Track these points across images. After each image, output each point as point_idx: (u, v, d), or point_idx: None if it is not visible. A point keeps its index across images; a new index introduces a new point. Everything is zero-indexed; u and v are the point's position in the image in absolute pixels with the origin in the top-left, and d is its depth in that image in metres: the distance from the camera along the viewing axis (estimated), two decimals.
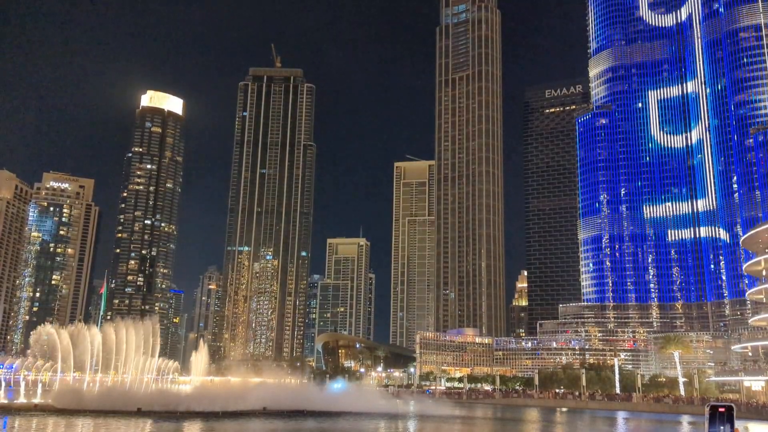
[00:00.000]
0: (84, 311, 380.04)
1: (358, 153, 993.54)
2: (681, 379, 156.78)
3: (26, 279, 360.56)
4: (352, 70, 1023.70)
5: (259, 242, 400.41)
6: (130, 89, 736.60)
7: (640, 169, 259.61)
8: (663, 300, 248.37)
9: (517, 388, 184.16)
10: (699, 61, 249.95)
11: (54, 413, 65.18)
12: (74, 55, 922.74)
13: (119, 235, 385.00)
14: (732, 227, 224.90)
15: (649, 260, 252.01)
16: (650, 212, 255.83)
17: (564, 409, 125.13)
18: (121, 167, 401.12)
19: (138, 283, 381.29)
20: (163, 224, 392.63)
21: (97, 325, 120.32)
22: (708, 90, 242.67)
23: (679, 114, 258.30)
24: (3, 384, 79.60)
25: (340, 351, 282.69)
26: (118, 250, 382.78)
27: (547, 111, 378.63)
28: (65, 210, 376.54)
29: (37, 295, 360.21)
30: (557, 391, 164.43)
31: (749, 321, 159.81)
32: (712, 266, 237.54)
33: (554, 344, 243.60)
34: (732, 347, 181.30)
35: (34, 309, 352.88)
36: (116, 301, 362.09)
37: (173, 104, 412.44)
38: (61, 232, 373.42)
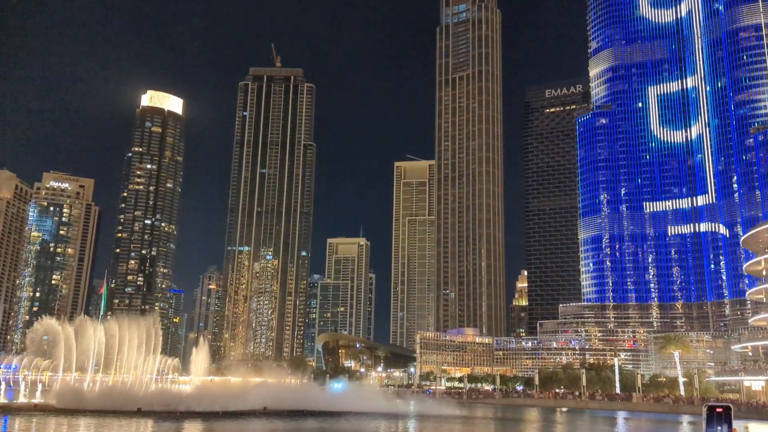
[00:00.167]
0: (84, 311, 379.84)
1: (358, 153, 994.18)
2: (681, 379, 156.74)
3: (26, 279, 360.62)
4: (353, 69, 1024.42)
5: (259, 242, 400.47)
6: (130, 89, 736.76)
7: (640, 169, 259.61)
8: (663, 300, 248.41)
9: (518, 387, 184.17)
10: (699, 60, 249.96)
11: (54, 413, 65.17)
12: (74, 55, 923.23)
13: (119, 234, 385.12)
14: (732, 227, 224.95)
15: (649, 260, 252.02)
16: (650, 211, 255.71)
17: (564, 409, 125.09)
18: (121, 167, 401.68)
19: (138, 282, 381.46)
20: (163, 224, 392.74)
21: None
22: (708, 89, 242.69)
23: (679, 109, 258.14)
24: (3, 384, 79.58)
25: (340, 351, 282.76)
26: (118, 250, 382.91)
27: (548, 111, 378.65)
28: (65, 210, 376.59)
29: (37, 294, 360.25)
30: (557, 391, 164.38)
31: (749, 321, 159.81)
32: (713, 266, 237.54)
33: (554, 344, 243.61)
34: (732, 347, 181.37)
35: (34, 309, 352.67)
36: (116, 301, 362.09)
37: (173, 104, 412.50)
38: (61, 232, 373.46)
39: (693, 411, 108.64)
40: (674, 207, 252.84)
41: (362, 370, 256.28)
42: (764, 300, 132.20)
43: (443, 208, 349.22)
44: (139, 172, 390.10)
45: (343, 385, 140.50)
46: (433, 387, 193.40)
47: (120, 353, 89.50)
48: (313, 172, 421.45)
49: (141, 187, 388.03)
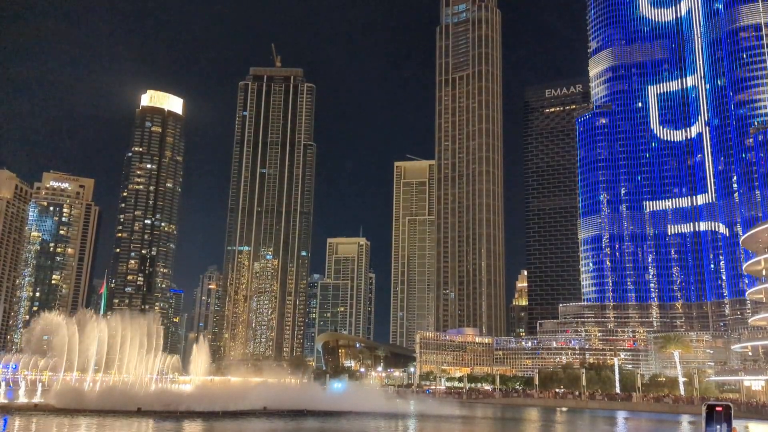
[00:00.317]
0: None
1: (358, 152, 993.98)
2: (681, 379, 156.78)
3: (26, 279, 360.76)
4: (353, 69, 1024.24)
5: (259, 242, 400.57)
6: (130, 89, 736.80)
7: (640, 169, 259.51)
8: (663, 300, 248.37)
9: (517, 387, 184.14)
10: (699, 60, 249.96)
11: (54, 413, 65.18)
12: (74, 55, 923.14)
13: (119, 234, 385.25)
14: (732, 227, 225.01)
15: (649, 260, 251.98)
16: (650, 211, 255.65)
17: (564, 409, 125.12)
18: (121, 167, 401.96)
19: (138, 282, 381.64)
20: (163, 224, 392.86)
21: None
22: (708, 89, 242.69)
23: (678, 109, 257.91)
24: (3, 384, 79.59)
25: (340, 351, 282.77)
26: (118, 250, 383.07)
27: (547, 110, 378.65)
28: (65, 210, 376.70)
29: (37, 294, 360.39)
30: (557, 390, 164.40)
31: (749, 321, 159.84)
32: (712, 266, 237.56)
33: (554, 344, 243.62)
34: (732, 347, 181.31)
35: (34, 309, 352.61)
36: (116, 301, 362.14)
37: (173, 104, 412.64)
38: (61, 232, 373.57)
39: (693, 411, 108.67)
40: (674, 207, 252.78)
41: (362, 369, 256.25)
42: (764, 300, 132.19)
43: (443, 207, 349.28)
44: (139, 172, 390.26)
45: (343, 384, 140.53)
46: (433, 387, 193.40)
47: (122, 352, 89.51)
48: (313, 172, 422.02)
49: (141, 186, 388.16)
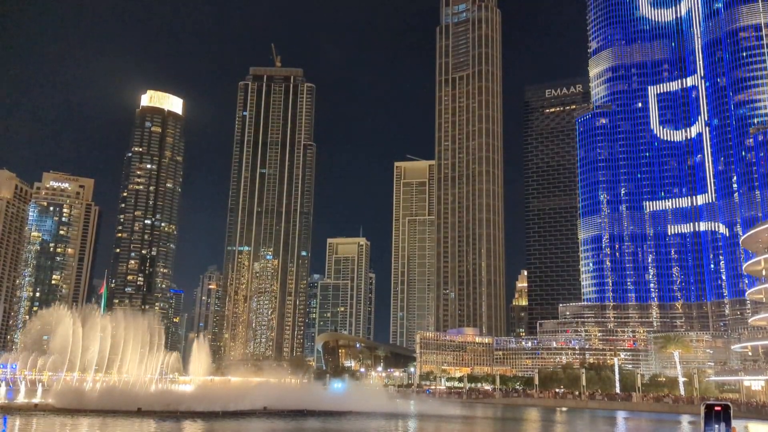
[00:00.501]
0: None
1: (358, 152, 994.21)
2: (681, 379, 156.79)
3: (26, 279, 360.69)
4: (353, 69, 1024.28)
5: (259, 242, 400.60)
6: (129, 89, 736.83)
7: (640, 169, 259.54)
8: (663, 300, 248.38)
9: (517, 387, 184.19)
10: (699, 60, 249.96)
11: (54, 413, 65.19)
12: (74, 54, 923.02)
13: (119, 234, 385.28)
14: (732, 227, 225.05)
15: (649, 260, 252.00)
16: (650, 211, 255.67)
17: (564, 409, 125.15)
18: (121, 167, 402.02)
19: (138, 282, 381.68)
20: (163, 224, 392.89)
21: None
22: (708, 89, 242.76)
23: (678, 109, 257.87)
24: (2, 384, 79.58)
25: (340, 351, 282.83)
26: (118, 250, 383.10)
27: (548, 110, 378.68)
28: (65, 210, 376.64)
29: (37, 294, 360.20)
30: (557, 390, 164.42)
31: (749, 321, 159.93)
32: (712, 266, 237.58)
33: (554, 344, 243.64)
34: (732, 347, 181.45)
35: (34, 309, 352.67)
36: (116, 301, 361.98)
37: (173, 104, 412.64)
38: (61, 232, 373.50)
39: (693, 411, 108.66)
40: (674, 207, 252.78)
41: (362, 369, 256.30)
42: (764, 300, 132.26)
43: (443, 207, 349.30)
44: (139, 172, 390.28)
45: (343, 384, 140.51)
46: (433, 387, 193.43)
47: (123, 352, 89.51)
48: (313, 172, 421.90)
49: (141, 187, 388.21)
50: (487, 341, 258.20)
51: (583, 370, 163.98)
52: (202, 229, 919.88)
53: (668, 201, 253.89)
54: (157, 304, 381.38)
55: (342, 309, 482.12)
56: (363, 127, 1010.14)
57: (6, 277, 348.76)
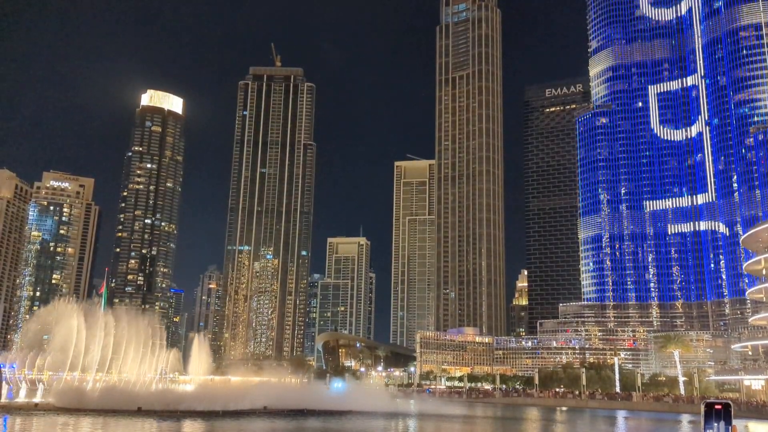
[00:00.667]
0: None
1: (358, 152, 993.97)
2: (681, 378, 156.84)
3: (26, 278, 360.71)
4: (353, 69, 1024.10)
5: (260, 241, 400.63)
6: (130, 88, 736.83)
7: (640, 168, 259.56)
8: (663, 299, 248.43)
9: (517, 387, 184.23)
10: (699, 60, 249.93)
11: (55, 412, 65.21)
12: (74, 54, 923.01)
13: (119, 234, 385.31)
14: (732, 226, 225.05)
15: (649, 259, 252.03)
16: (650, 210, 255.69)
17: (564, 408, 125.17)
18: (121, 166, 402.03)
19: (138, 282, 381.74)
20: (163, 223, 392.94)
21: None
22: (708, 88, 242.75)
23: (679, 108, 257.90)
24: (3, 383, 79.51)
25: (340, 350, 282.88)
26: (118, 250, 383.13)
27: (548, 110, 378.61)
28: (65, 209, 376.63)
29: (38, 294, 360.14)
30: (557, 390, 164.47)
31: (749, 320, 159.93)
32: (712, 265, 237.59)
33: (554, 343, 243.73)
34: (732, 346, 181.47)
35: (35, 308, 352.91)
36: (116, 300, 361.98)
37: (173, 103, 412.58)
38: (61, 232, 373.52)
39: (693, 410, 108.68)
40: (674, 206, 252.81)
41: (362, 369, 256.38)
42: (764, 299, 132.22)
43: (443, 207, 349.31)
44: (139, 172, 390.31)
45: (343, 384, 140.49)
46: (433, 386, 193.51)
47: (123, 351, 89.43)
48: (313, 171, 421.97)
49: (141, 186, 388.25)
50: (487, 341, 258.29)
51: (583, 370, 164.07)
52: (202, 229, 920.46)
53: (668, 200, 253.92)
54: (157, 303, 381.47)
55: (342, 309, 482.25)
56: (363, 126, 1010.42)
57: (6, 276, 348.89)
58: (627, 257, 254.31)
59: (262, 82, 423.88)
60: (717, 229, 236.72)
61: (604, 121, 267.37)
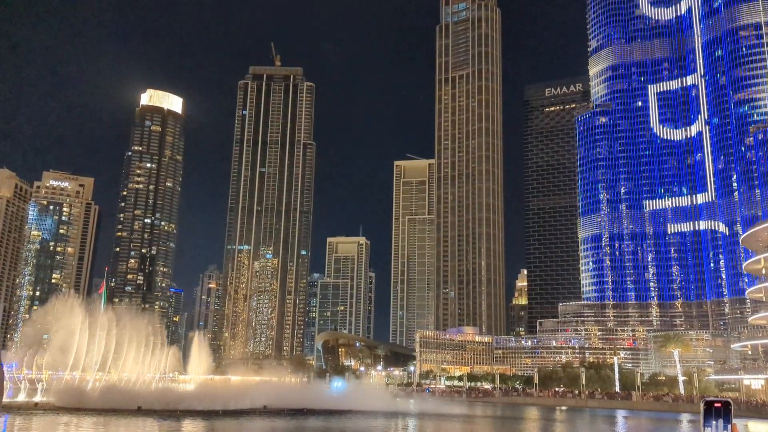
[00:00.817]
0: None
1: (358, 151, 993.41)
2: (680, 378, 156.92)
3: (26, 278, 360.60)
4: (352, 68, 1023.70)
5: (259, 241, 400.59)
6: (129, 88, 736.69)
7: (639, 167, 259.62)
8: (663, 299, 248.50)
9: (517, 386, 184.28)
10: (699, 59, 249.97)
11: (55, 412, 65.22)
12: (74, 53, 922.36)
13: (119, 233, 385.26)
14: (732, 225, 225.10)
15: (649, 259, 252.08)
16: (650, 210, 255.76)
17: (564, 408, 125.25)
18: (120, 166, 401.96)
19: (138, 281, 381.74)
20: (162, 223, 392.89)
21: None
22: (708, 88, 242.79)
23: (678, 108, 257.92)
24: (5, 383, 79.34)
25: (340, 350, 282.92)
26: (117, 249, 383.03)
27: (547, 109, 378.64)
28: (65, 209, 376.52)
29: (37, 293, 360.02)
30: (557, 389, 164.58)
31: (749, 319, 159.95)
32: (712, 264, 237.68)
33: (554, 343, 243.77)
34: (732, 346, 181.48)
35: (34, 308, 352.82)
36: (116, 300, 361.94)
37: (173, 103, 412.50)
38: (61, 231, 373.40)
39: (692, 410, 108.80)
40: (674, 205, 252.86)
41: (362, 368, 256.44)
42: (764, 299, 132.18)
43: (443, 207, 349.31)
44: (138, 171, 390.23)
45: (343, 383, 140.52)
46: (433, 386, 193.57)
47: (121, 350, 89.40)
48: (313, 171, 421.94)
49: (141, 186, 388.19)
50: (486, 340, 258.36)
51: (583, 369, 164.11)
52: (201, 228, 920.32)
53: (668, 200, 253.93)
54: (156, 303, 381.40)
55: (342, 308, 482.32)
56: (363, 126, 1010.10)
57: (6, 276, 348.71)
58: (627, 257, 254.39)
59: (262, 82, 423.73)
60: (717, 228, 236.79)
61: (604, 121, 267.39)
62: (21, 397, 75.00)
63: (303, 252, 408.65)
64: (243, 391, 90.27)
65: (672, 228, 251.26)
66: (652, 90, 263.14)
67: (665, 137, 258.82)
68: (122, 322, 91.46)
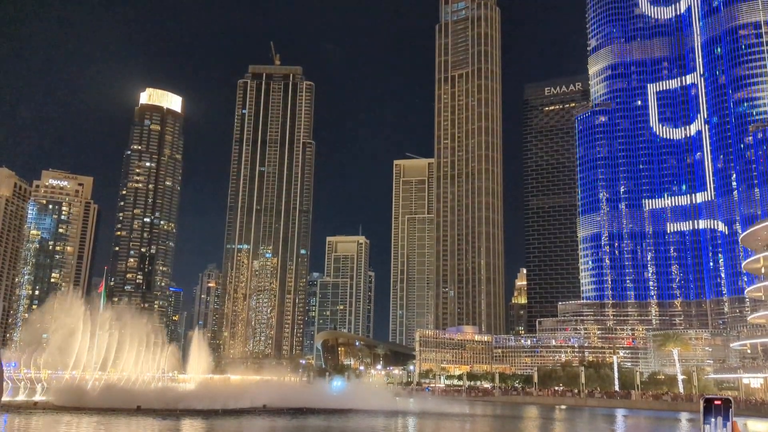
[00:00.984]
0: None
1: (357, 151, 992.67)
2: (680, 377, 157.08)
3: (25, 277, 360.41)
4: (352, 67, 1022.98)
5: (259, 240, 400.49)
6: (128, 87, 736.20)
7: (639, 167, 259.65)
8: (662, 298, 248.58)
9: (517, 385, 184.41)
10: (698, 58, 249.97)
11: (54, 411, 65.18)
12: (73, 52, 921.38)
13: (118, 233, 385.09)
14: (731, 224, 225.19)
15: (648, 258, 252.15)
16: (649, 209, 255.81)
17: (563, 407, 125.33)
18: (120, 165, 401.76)
19: (137, 281, 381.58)
20: (162, 222, 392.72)
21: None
22: (707, 87, 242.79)
23: (678, 107, 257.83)
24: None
25: (339, 349, 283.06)
26: (117, 248, 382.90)
27: (547, 108, 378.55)
28: (64, 208, 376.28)
29: (37, 293, 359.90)
30: (556, 388, 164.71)
31: (748, 318, 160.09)
32: (711, 264, 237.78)
33: (553, 342, 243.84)
34: (731, 345, 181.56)
35: (33, 307, 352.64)
36: (115, 299, 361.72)
37: (172, 102, 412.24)
38: (60, 230, 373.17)
39: (692, 408, 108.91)
40: (673, 205, 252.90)
41: (361, 368, 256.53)
42: (763, 298, 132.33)
43: (442, 206, 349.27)
44: (138, 170, 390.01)
45: (342, 382, 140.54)
46: (433, 385, 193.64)
47: (119, 349, 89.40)
48: (312, 170, 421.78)
49: (140, 185, 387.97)
50: (486, 339, 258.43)
51: (582, 368, 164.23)
52: (201, 228, 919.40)
53: (667, 199, 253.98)
54: (156, 302, 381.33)
55: (341, 307, 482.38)
56: (362, 125, 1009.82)
57: (5, 275, 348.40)
58: (626, 256, 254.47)
59: (261, 81, 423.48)
60: (716, 227, 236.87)
61: (604, 120, 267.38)
62: (20, 397, 74.99)
63: (302, 251, 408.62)
64: (243, 390, 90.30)
65: (671, 227, 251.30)
66: (652, 89, 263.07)
67: (665, 136, 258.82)
68: (122, 321, 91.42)
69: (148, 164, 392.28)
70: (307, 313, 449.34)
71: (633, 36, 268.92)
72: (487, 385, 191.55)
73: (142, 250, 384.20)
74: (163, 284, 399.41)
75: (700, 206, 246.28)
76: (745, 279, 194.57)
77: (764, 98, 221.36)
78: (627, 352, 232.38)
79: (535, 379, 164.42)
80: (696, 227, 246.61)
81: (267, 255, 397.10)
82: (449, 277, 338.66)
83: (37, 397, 74.72)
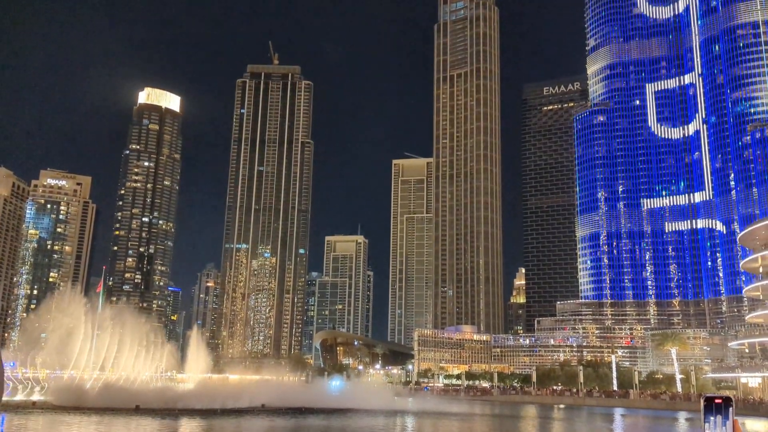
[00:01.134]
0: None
1: (356, 150, 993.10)
2: (678, 376, 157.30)
3: (23, 277, 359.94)
4: (350, 67, 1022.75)
5: (257, 240, 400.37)
6: (127, 86, 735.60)
7: (637, 166, 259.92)
8: (660, 297, 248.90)
9: (515, 385, 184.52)
10: (696, 58, 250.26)
11: (53, 410, 65.12)
12: (71, 52, 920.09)
13: (117, 232, 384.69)
14: (729, 224, 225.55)
15: (647, 257, 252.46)
16: (648, 208, 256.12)
17: (561, 406, 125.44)
18: (118, 165, 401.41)
19: (136, 280, 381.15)
20: (160, 222, 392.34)
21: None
22: (705, 86, 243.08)
23: (676, 106, 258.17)
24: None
25: (338, 348, 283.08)
26: (115, 248, 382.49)
27: (546, 108, 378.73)
28: (62, 207, 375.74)
29: (35, 292, 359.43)
30: (555, 388, 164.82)
31: (746, 318, 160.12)
32: (710, 263, 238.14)
33: (552, 341, 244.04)
34: (729, 344, 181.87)
35: (32, 307, 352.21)
36: (114, 299, 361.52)
37: (171, 101, 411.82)
38: (59, 230, 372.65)
39: (690, 408, 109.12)
40: (672, 204, 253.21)
41: (360, 367, 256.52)
42: (761, 297, 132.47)
43: (441, 205, 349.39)
44: (136, 170, 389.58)
45: (341, 382, 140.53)
46: (431, 384, 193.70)
47: (118, 349, 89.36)
48: (311, 169, 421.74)
49: (138, 184, 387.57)
50: (485, 339, 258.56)
51: (581, 368, 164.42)
52: (199, 227, 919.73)
53: (666, 198, 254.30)
54: (154, 302, 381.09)
55: (340, 307, 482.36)
56: (361, 124, 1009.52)
57: (3, 274, 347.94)
58: (624, 255, 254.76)
59: (260, 80, 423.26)
60: (714, 226, 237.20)
61: (602, 119, 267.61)
62: (19, 396, 74.90)
63: (301, 251, 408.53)
64: (241, 389, 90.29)
65: (670, 226, 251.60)
66: (650, 89, 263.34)
67: (663, 136, 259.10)
68: (120, 321, 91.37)
69: (146, 164, 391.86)
70: (306, 313, 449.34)
71: (631, 36, 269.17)
72: (485, 384, 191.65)
73: (141, 249, 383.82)
74: (161, 284, 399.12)
75: (698, 206, 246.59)
76: (743, 278, 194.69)
77: (762, 98, 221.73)
78: (625, 351, 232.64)
79: (534, 379, 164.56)
80: (694, 227, 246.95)
81: (266, 254, 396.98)
82: (448, 277, 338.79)
83: (36, 397, 74.62)
